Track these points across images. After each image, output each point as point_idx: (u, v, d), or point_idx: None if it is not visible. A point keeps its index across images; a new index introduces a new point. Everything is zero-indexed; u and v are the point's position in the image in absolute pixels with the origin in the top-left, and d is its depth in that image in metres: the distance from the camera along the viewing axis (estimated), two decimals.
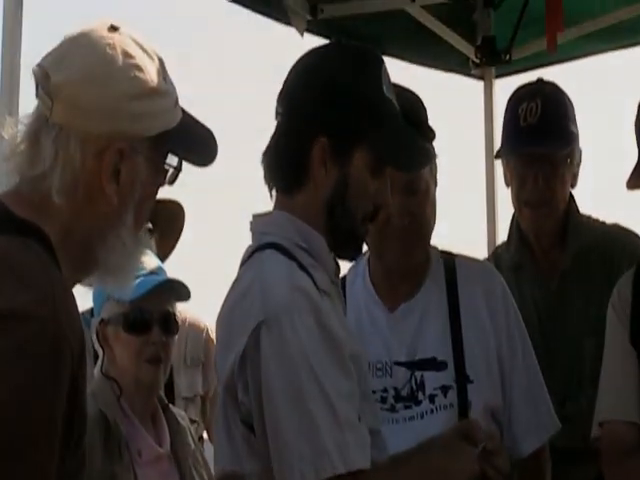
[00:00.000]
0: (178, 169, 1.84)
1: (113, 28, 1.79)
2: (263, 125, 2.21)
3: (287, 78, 2.11)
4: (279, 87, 2.13)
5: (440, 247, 2.41)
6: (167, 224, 3.10)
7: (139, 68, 1.76)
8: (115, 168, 1.75)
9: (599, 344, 2.52)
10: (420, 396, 2.28)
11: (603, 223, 2.98)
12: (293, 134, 2.06)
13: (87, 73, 1.76)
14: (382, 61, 2.18)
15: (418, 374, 2.28)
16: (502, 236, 3.46)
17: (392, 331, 2.32)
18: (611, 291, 2.47)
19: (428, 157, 2.26)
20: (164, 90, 1.79)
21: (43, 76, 1.75)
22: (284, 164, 2.06)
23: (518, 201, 2.89)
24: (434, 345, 2.30)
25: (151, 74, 1.78)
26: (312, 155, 2.02)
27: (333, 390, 1.85)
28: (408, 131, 2.15)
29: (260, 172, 2.08)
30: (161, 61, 1.83)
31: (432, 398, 2.24)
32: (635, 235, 2.86)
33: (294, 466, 1.81)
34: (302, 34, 3.40)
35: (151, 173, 1.81)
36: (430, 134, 2.36)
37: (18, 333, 1.54)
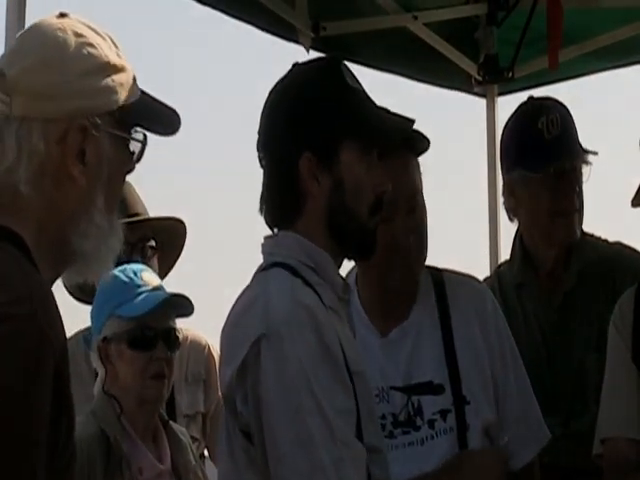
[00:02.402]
0: (144, 143, 1.84)
1: (62, 15, 1.80)
2: None
3: (259, 126, 2.16)
4: None
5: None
6: (168, 241, 3.12)
7: (91, 45, 1.77)
8: (80, 148, 1.74)
9: (602, 361, 2.52)
10: (418, 421, 2.29)
11: (605, 241, 3.00)
12: (278, 165, 2.09)
13: (40, 59, 1.76)
14: (340, 59, 2.22)
15: (415, 399, 2.29)
16: (505, 249, 3.49)
17: (386, 356, 2.33)
18: (613, 308, 2.47)
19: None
20: (119, 65, 1.80)
21: None
22: (278, 195, 2.10)
23: (549, 213, 2.89)
24: (429, 368, 2.31)
25: (104, 50, 1.78)
26: (301, 173, 2.04)
27: (330, 406, 1.87)
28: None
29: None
30: (113, 40, 1.83)
31: (431, 423, 2.25)
32: (638, 253, 2.87)
33: None
34: (308, 51, 3.43)
35: (117, 150, 1.81)
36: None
37: (5, 334, 1.54)
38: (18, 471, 1.54)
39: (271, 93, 2.18)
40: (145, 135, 1.84)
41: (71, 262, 1.80)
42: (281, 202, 2.11)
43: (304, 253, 2.07)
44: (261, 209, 2.15)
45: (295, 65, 2.24)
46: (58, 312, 1.68)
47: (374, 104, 2.22)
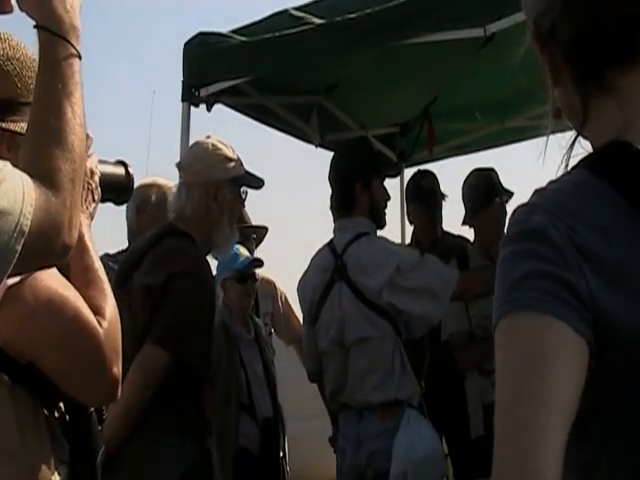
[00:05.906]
0: (245, 193, 1.97)
1: (207, 137, 1.98)
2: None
3: (331, 166, 2.33)
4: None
5: None
6: (258, 236, 3.29)
7: (219, 149, 1.93)
8: (215, 195, 1.91)
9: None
10: None
11: (453, 235, 3.28)
12: (344, 186, 2.29)
13: (194, 157, 1.96)
14: (367, 138, 2.76)
15: None
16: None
17: None
18: None
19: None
20: (233, 157, 1.95)
21: (178, 164, 1.99)
22: (344, 202, 2.31)
23: (426, 223, 3.19)
24: None
25: (225, 151, 1.94)
26: (355, 191, 2.27)
27: None
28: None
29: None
30: (232, 147, 1.97)
31: None
32: (469, 241, 3.02)
33: None
34: (316, 147, 3.47)
35: (234, 196, 1.95)
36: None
37: (188, 279, 1.75)
38: (194, 338, 1.69)
39: (336, 155, 2.35)
40: (247, 190, 2.00)
41: (212, 247, 1.95)
42: (345, 205, 2.27)
43: (369, 226, 2.27)
44: (331, 203, 2.30)
45: (345, 142, 2.53)
46: (210, 270, 1.91)
47: (384, 156, 2.71)
